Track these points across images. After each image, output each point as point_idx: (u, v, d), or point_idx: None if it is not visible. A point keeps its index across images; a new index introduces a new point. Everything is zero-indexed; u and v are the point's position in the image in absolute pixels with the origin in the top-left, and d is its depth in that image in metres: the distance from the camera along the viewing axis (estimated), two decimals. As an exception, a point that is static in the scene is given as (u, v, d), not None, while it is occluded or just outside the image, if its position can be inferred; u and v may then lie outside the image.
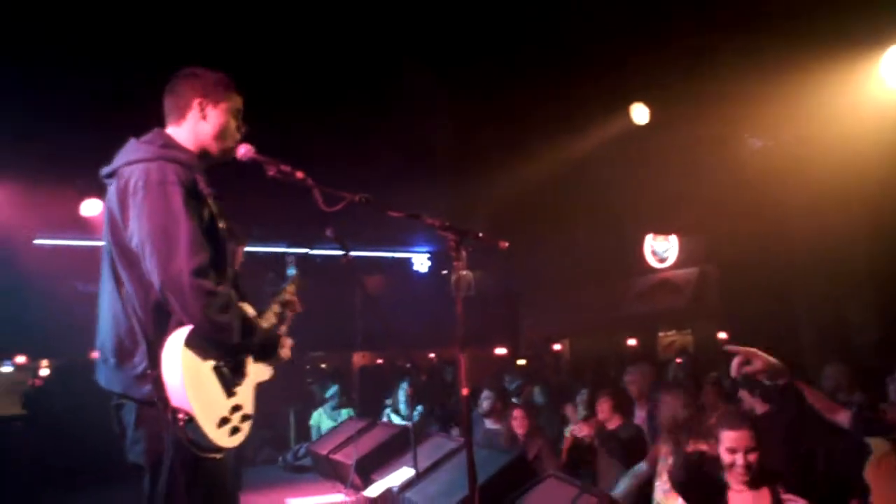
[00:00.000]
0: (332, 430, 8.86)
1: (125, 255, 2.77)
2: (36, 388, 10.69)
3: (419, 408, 8.89)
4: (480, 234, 3.16)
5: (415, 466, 6.14)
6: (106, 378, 2.82)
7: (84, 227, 10.22)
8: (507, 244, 3.21)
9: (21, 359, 11.60)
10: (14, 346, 11.35)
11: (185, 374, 2.59)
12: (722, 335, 12.62)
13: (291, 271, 3.33)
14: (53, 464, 8.83)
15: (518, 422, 6.94)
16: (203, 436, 2.63)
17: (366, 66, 7.34)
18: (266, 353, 2.94)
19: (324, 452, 7.88)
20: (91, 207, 9.68)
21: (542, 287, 14.62)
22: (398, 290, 13.99)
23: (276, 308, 3.17)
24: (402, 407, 9.16)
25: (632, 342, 15.34)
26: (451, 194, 9.44)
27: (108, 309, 2.82)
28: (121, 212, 2.78)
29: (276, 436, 9.75)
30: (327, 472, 7.90)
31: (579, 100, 8.25)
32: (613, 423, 6.34)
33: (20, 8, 6.07)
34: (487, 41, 7.18)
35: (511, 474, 5.14)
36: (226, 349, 2.77)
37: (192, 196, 2.77)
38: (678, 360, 10.62)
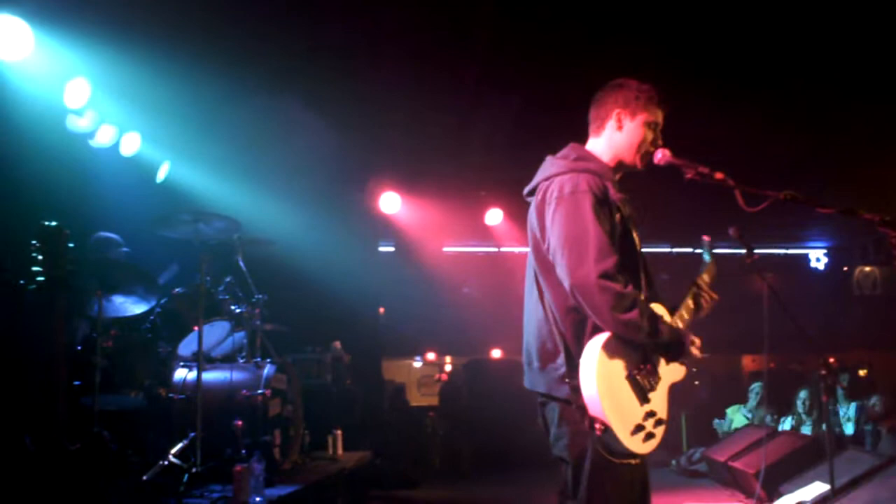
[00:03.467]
0: (730, 436, 8.54)
1: (544, 264, 2.91)
2: (445, 381, 11.76)
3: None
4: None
5: (830, 482, 5.66)
6: (530, 380, 2.98)
7: (485, 236, 11.08)
8: None
9: (431, 355, 12.82)
10: (424, 344, 12.61)
11: (599, 385, 2.66)
12: None
13: (707, 257, 3.23)
14: (460, 449, 9.66)
15: None
16: (619, 444, 2.69)
17: (768, 55, 6.92)
18: (673, 352, 2.88)
19: (722, 459, 7.62)
20: (493, 217, 10.43)
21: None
22: (793, 288, 13.04)
23: (689, 303, 3.10)
24: (803, 416, 8.53)
25: None
26: (859, 181, 8.53)
27: (533, 316, 2.97)
28: (538, 224, 2.95)
29: (669, 438, 9.62)
30: (725, 479, 7.63)
31: None
32: None
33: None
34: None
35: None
36: (638, 351, 2.79)
37: (603, 203, 2.85)
38: None
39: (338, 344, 7.77)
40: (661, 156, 3.06)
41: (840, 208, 3.01)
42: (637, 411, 2.76)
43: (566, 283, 2.75)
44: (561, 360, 2.82)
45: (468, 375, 10.61)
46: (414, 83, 7.36)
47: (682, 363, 2.94)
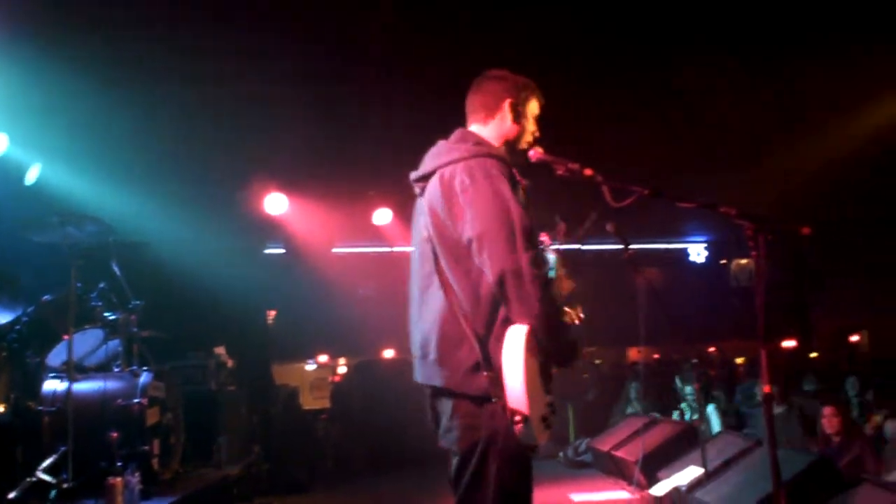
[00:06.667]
0: (614, 426, 8.80)
1: (452, 252, 2.80)
2: (337, 384, 11.67)
3: (711, 406, 8.50)
4: (781, 221, 2.94)
5: (704, 465, 5.92)
6: (424, 374, 2.90)
7: (375, 236, 11.02)
8: (809, 230, 2.96)
9: (323, 358, 12.70)
10: (317, 346, 12.48)
11: (525, 376, 2.62)
12: None
13: (551, 257, 3.30)
14: (353, 451, 9.62)
15: (828, 420, 6.29)
16: (532, 435, 2.68)
17: (642, 53, 7.17)
18: (569, 353, 2.87)
19: (605, 449, 7.85)
20: (382, 217, 10.39)
21: (837, 272, 13.38)
22: (674, 281, 13.56)
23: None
24: (690, 402, 8.86)
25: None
26: (734, 178, 8.95)
27: (431, 306, 2.85)
28: (447, 210, 2.82)
29: (556, 431, 9.84)
30: (609, 468, 7.86)
31: (876, 66, 7.46)
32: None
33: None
34: (772, 12, 6.73)
35: (814, 478, 4.77)
36: (549, 344, 2.76)
37: (515, 189, 2.83)
38: None
39: (221, 349, 7.60)
40: (533, 153, 3.10)
41: (701, 203, 3.13)
42: (543, 401, 2.77)
43: (493, 270, 2.66)
44: (467, 351, 2.73)
45: (359, 376, 10.56)
46: (297, 82, 7.28)
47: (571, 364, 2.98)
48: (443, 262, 2.82)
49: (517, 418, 2.62)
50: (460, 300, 2.76)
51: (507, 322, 2.70)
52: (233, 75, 7.02)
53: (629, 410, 10.10)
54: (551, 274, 3.15)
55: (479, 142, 2.98)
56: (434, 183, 2.89)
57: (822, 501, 4.42)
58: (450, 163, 2.87)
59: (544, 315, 2.65)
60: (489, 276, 2.68)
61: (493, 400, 2.67)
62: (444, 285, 2.81)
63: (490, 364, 2.68)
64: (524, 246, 2.66)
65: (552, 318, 2.72)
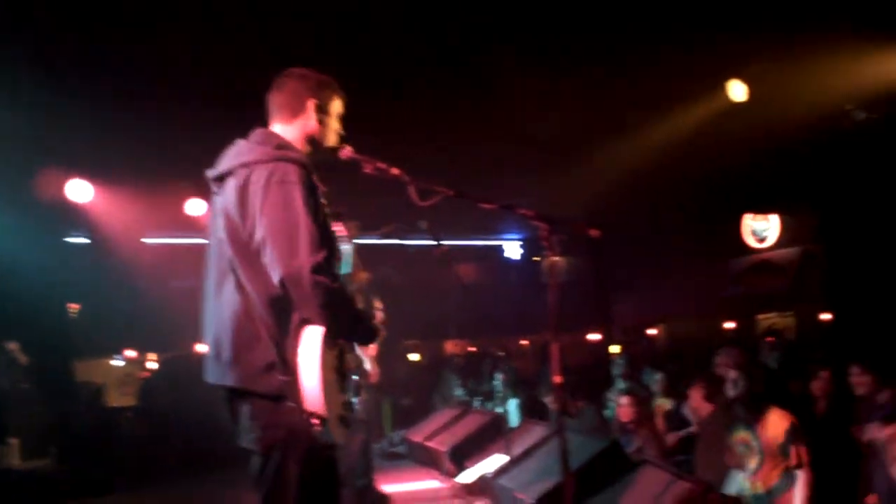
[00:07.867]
0: (427, 418, 8.99)
1: (244, 252, 2.80)
2: (146, 380, 11.17)
3: (513, 402, 8.84)
4: (572, 223, 3.16)
5: (507, 453, 6.19)
6: (217, 373, 2.86)
7: (188, 226, 10.61)
8: (598, 232, 3.19)
9: (131, 353, 12.11)
10: (125, 341, 11.87)
11: (320, 377, 2.66)
12: (826, 317, 12.21)
13: (346, 247, 3.35)
14: (161, 451, 9.24)
15: (624, 410, 6.57)
16: (330, 434, 2.72)
17: (457, 52, 7.36)
18: (369, 338, 3.09)
19: (418, 440, 8.02)
20: (194, 207, 10.04)
21: (636, 271, 14.40)
22: (490, 278, 13.98)
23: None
24: (498, 394, 9.19)
25: (730, 325, 14.95)
26: (545, 181, 9.40)
27: (223, 305, 2.84)
28: (239, 212, 2.81)
29: (372, 424, 9.91)
30: (422, 459, 8.03)
31: (673, 79, 8.08)
32: (705, 411, 5.90)
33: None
34: (579, 21, 7.12)
35: (605, 461, 5.12)
36: (339, 341, 2.84)
37: (311, 194, 2.83)
38: (769, 339, 10.11)
39: (14, 345, 7.08)
40: (344, 152, 3.13)
41: (501, 204, 3.29)
42: (339, 401, 2.81)
43: (276, 274, 2.68)
44: (261, 351, 2.74)
45: (168, 372, 10.19)
46: (93, 66, 6.90)
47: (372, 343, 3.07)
48: (236, 264, 2.82)
49: (315, 420, 2.65)
50: (254, 300, 2.77)
51: (304, 323, 2.72)
52: (21, 60, 6.55)
53: (450, 398, 10.36)
54: (345, 267, 3.22)
55: (281, 145, 2.94)
56: (230, 184, 2.86)
57: (610, 483, 4.76)
58: (247, 164, 2.84)
59: (329, 317, 2.70)
60: (274, 280, 2.70)
61: (289, 402, 2.68)
62: (239, 286, 2.80)
63: (286, 365, 2.69)
64: (309, 251, 2.68)
65: (343, 316, 2.78)
